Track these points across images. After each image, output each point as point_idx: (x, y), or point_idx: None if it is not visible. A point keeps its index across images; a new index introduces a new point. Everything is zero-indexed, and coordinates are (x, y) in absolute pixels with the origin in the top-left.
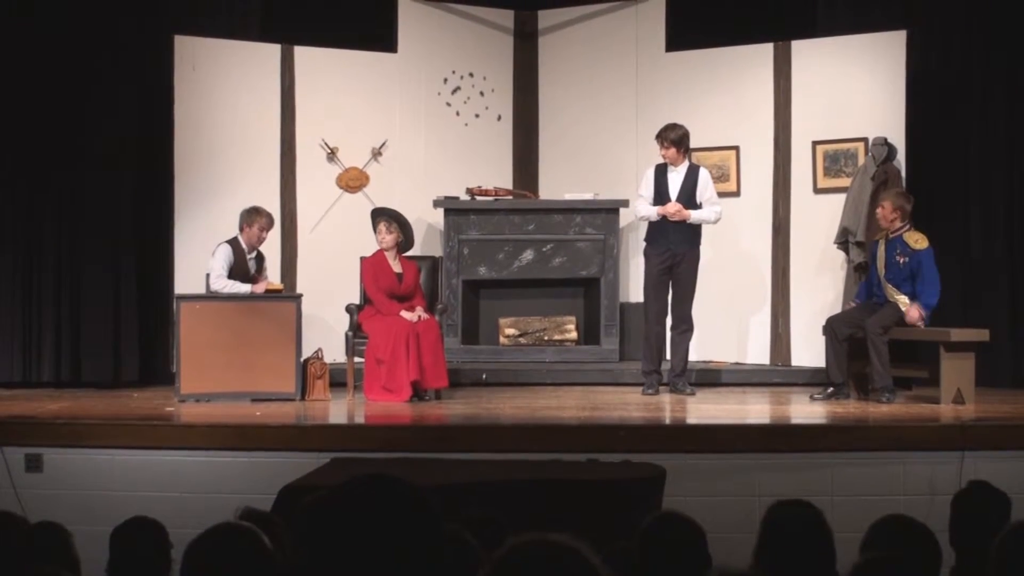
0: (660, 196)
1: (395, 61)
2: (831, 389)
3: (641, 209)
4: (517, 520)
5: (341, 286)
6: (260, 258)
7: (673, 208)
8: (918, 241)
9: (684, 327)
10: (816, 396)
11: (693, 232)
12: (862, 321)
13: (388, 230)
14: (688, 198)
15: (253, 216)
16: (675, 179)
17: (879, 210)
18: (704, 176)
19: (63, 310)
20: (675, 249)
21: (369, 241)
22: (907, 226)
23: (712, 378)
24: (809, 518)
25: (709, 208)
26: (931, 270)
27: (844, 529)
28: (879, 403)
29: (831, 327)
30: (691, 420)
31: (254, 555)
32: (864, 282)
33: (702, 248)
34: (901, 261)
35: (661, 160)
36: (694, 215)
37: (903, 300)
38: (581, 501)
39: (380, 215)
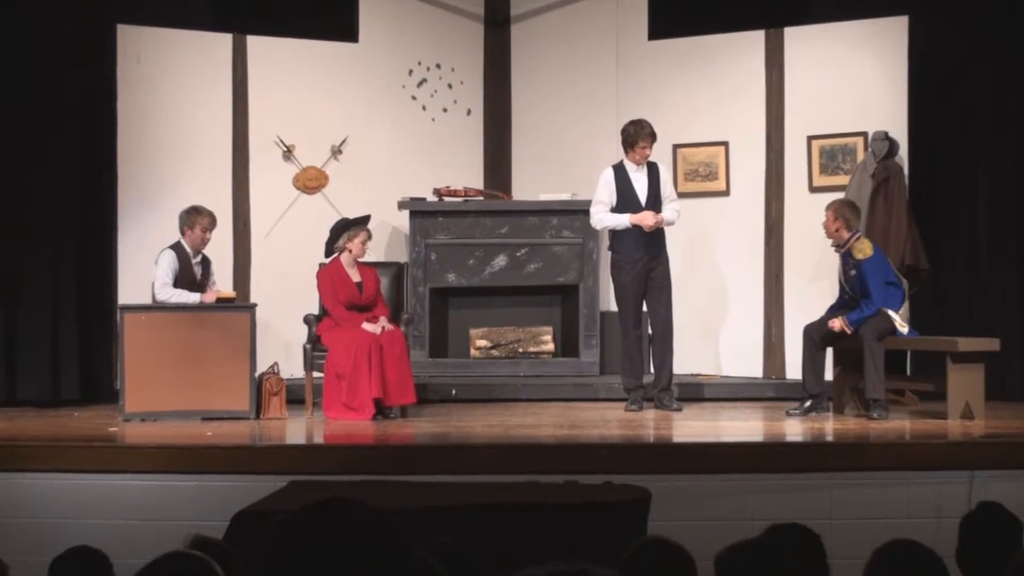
0: (626, 201)
1: (356, 51)
2: (809, 402)
3: (606, 218)
4: (489, 547)
5: (298, 295)
6: (206, 262)
7: (653, 220)
8: (861, 251)
9: (668, 335)
10: (792, 411)
11: (664, 234)
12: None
13: (369, 238)
14: (656, 199)
15: (193, 216)
16: (639, 180)
17: (824, 222)
18: (665, 173)
19: None
20: (652, 254)
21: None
22: (855, 235)
23: (700, 393)
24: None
25: (671, 208)
26: (873, 281)
27: (845, 555)
28: (872, 419)
29: (809, 334)
30: (678, 438)
31: None
32: (839, 294)
33: (684, 252)
34: (852, 274)
35: (630, 160)
36: (665, 218)
37: (887, 310)
38: (559, 527)
39: (361, 225)
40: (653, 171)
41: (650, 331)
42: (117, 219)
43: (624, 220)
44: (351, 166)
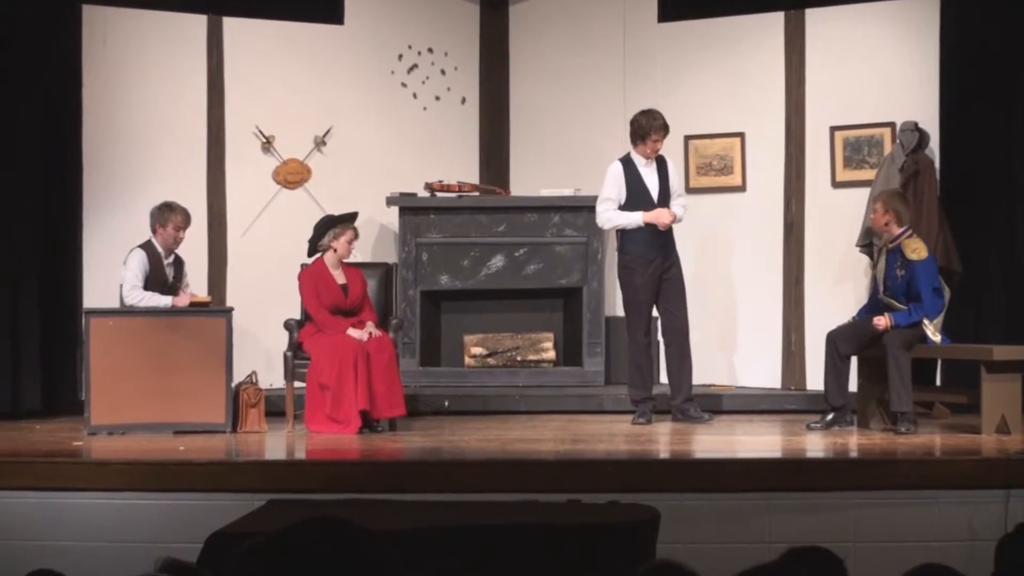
0: (636, 197)
1: (341, 34)
2: (831, 415)
3: (615, 217)
4: (485, 572)
5: (278, 298)
6: (179, 263)
7: (669, 218)
8: (916, 251)
9: (686, 342)
10: (814, 424)
11: (673, 233)
12: (868, 337)
13: (356, 237)
14: (666, 195)
15: (166, 214)
16: (649, 175)
17: (872, 214)
18: (672, 167)
19: None
20: (665, 255)
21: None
22: (907, 232)
23: (714, 405)
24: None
25: (679, 204)
26: (926, 285)
27: None
28: (899, 433)
29: (832, 342)
30: (689, 454)
31: None
32: (871, 295)
33: (696, 253)
34: (899, 274)
35: (639, 154)
36: (676, 216)
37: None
38: (561, 549)
39: (348, 222)
40: (662, 165)
41: (659, 338)
42: (82, 216)
43: (636, 218)
44: (336, 159)
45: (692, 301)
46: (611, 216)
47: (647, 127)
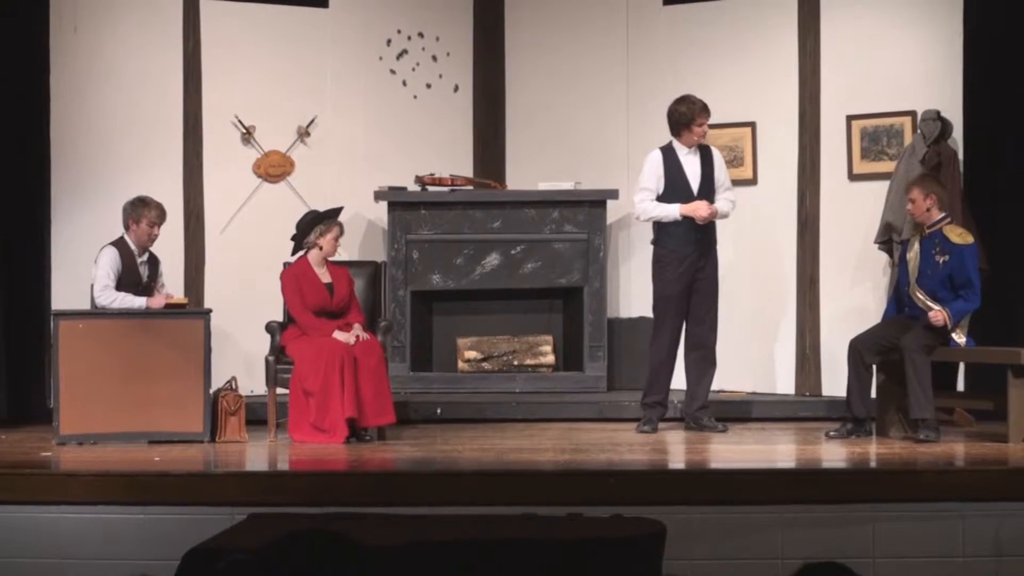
0: (675, 188)
1: (326, 18)
2: (851, 424)
3: (651, 208)
4: None
5: (260, 299)
6: (153, 262)
7: (707, 211)
8: (962, 235)
9: (711, 350)
10: (832, 432)
11: (715, 229)
12: (894, 341)
13: (341, 234)
14: (709, 187)
15: (140, 209)
16: (691, 165)
17: (909, 203)
18: (719, 157)
19: None
20: (702, 251)
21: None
22: (946, 218)
23: (724, 412)
24: None
25: (725, 198)
26: (975, 271)
27: None
28: (920, 442)
29: (856, 350)
30: (698, 465)
31: None
32: (895, 293)
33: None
34: (940, 261)
35: (682, 143)
36: (720, 209)
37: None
38: (561, 566)
39: (334, 218)
40: (706, 155)
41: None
42: (51, 212)
43: (673, 211)
44: (320, 150)
45: None
46: (647, 207)
47: (690, 113)
